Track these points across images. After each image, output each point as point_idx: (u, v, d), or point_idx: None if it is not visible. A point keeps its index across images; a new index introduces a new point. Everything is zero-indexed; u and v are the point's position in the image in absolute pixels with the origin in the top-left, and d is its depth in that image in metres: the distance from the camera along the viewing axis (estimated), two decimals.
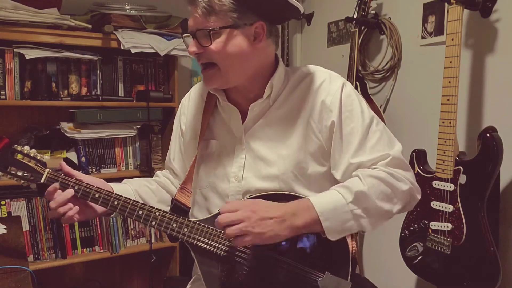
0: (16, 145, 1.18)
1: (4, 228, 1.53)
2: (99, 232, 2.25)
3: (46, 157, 1.19)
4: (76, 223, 2.17)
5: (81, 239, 2.20)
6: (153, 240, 2.36)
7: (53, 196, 1.11)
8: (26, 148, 1.17)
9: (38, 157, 1.17)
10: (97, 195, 1.12)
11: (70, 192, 1.11)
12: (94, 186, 1.13)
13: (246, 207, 1.02)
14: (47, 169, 1.16)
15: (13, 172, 1.15)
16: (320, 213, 1.03)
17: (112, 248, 2.24)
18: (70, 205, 1.11)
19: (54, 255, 2.13)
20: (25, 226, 2.05)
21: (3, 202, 2.02)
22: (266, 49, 1.15)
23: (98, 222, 2.24)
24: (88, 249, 2.22)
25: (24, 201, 2.07)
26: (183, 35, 1.16)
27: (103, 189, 1.13)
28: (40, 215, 2.10)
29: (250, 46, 1.10)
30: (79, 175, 1.16)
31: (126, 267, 2.53)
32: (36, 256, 2.10)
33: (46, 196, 1.13)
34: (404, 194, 1.11)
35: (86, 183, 1.13)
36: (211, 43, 1.07)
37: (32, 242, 2.08)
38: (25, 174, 1.15)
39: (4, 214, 2.01)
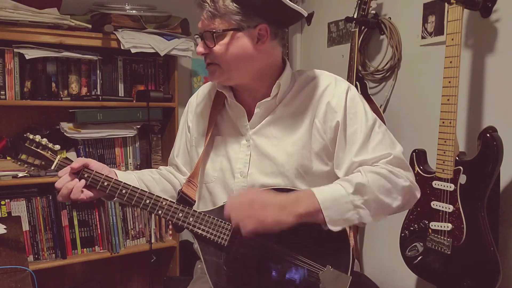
0: (28, 133, 1.20)
1: (4, 228, 1.53)
2: (99, 232, 2.25)
3: (57, 146, 1.22)
4: (76, 223, 2.18)
5: (81, 239, 2.20)
6: (153, 240, 2.36)
7: (65, 182, 1.15)
8: (38, 137, 1.20)
9: (50, 145, 1.20)
10: (106, 183, 1.17)
11: (82, 183, 1.16)
12: (103, 175, 1.17)
13: (249, 194, 1.07)
14: (58, 156, 1.19)
15: (24, 159, 1.18)
16: (322, 201, 1.06)
17: (112, 248, 2.24)
18: (76, 179, 1.16)
19: (54, 255, 2.14)
20: (25, 226, 2.05)
21: (3, 202, 2.02)
22: (271, 51, 1.19)
23: (98, 222, 2.24)
24: (88, 249, 2.23)
25: (24, 201, 2.07)
26: (195, 36, 1.21)
27: (112, 178, 1.18)
28: (40, 215, 2.10)
29: (253, 47, 1.15)
30: (87, 160, 1.19)
31: (126, 267, 2.53)
32: (36, 256, 2.10)
33: (59, 183, 1.15)
34: (403, 190, 1.13)
35: (95, 172, 1.17)
36: (214, 45, 1.12)
37: (32, 242, 2.09)
38: (36, 162, 1.18)
39: (4, 214, 2.02)
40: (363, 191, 1.08)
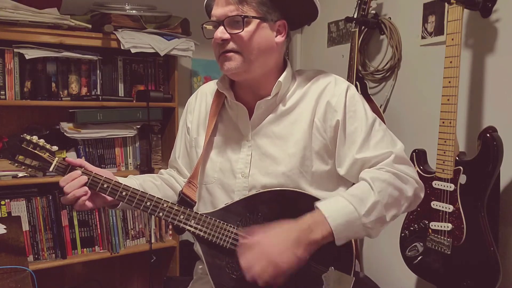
0: (25, 134, 1.18)
1: (4, 228, 1.53)
2: (99, 232, 2.25)
3: (55, 147, 1.20)
4: (76, 223, 2.18)
5: (81, 239, 2.20)
6: (153, 240, 2.36)
7: (68, 182, 1.13)
8: (35, 138, 1.18)
9: (47, 147, 1.18)
10: (105, 185, 1.15)
11: (84, 178, 1.14)
12: (103, 176, 1.16)
13: (260, 243, 1.03)
14: (56, 158, 1.17)
15: (21, 160, 1.15)
16: (334, 227, 1.05)
17: (112, 248, 2.24)
18: (86, 188, 1.14)
19: (54, 255, 2.14)
20: (25, 226, 2.05)
21: (3, 202, 2.02)
22: (282, 48, 1.21)
23: (98, 222, 2.24)
24: (88, 249, 2.23)
25: (24, 201, 2.07)
26: (203, 24, 1.19)
27: (112, 180, 1.16)
28: (40, 215, 2.10)
29: (273, 41, 1.17)
30: (87, 165, 1.18)
31: (126, 267, 2.53)
32: (36, 256, 2.10)
33: (63, 181, 1.13)
34: (410, 197, 1.15)
35: (95, 173, 1.16)
36: (242, 30, 1.12)
37: (32, 242, 2.09)
38: (33, 163, 1.16)
39: (4, 214, 2.02)
40: (374, 210, 1.08)
